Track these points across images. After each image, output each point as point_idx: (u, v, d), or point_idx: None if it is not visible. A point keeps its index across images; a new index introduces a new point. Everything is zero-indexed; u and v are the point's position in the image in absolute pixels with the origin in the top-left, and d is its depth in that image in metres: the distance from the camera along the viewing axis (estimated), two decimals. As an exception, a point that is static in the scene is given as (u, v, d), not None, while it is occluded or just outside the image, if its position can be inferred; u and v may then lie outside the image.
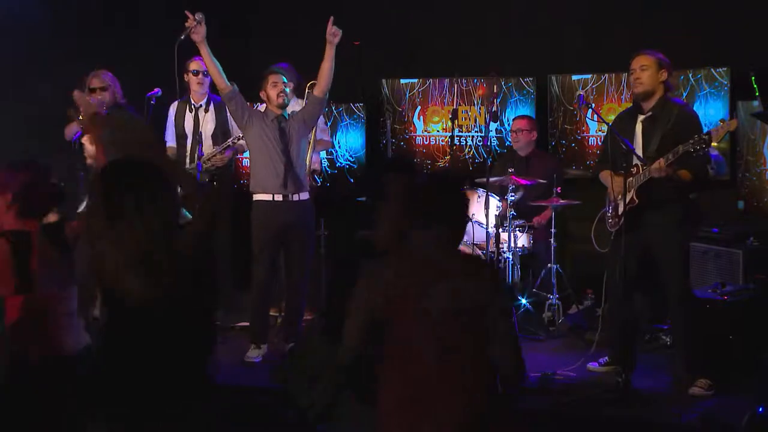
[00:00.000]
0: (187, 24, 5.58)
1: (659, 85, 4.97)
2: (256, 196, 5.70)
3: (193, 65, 6.38)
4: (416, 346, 2.89)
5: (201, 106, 6.48)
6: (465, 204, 3.15)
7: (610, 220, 5.15)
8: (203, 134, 6.38)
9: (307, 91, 6.39)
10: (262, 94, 5.76)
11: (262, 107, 6.09)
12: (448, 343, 2.88)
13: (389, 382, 2.93)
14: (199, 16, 5.58)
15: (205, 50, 5.62)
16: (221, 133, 6.44)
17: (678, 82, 6.31)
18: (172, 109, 6.52)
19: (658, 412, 4.64)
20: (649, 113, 4.98)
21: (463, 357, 2.88)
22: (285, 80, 5.75)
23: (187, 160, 6.38)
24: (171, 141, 6.48)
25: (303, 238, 5.71)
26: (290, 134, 5.66)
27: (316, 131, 6.44)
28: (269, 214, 5.63)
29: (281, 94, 5.68)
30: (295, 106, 6.24)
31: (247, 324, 5.96)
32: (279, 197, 5.62)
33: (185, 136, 6.46)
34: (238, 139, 6.26)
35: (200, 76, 6.38)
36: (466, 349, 2.89)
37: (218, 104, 6.45)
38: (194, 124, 6.44)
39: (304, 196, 5.71)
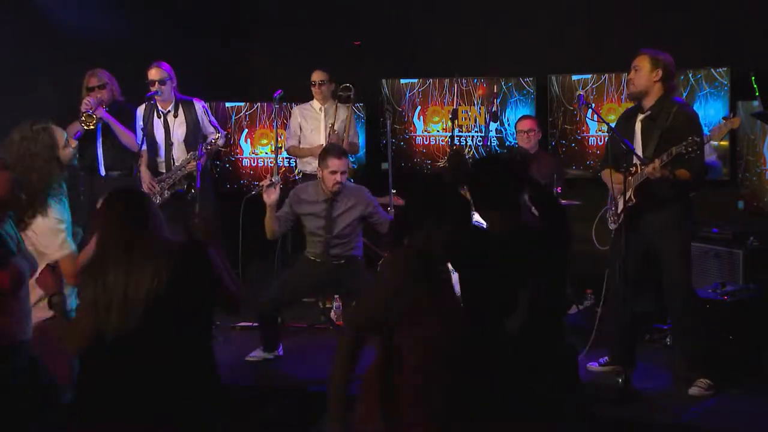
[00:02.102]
0: (261, 183, 5.55)
1: (654, 84, 4.93)
2: (306, 251, 5.69)
3: (150, 74, 6.26)
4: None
5: (169, 111, 6.33)
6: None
7: (610, 219, 5.16)
8: (175, 141, 6.31)
9: (338, 93, 6.66)
10: (319, 171, 5.58)
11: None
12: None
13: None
14: (275, 178, 5.56)
15: (270, 212, 5.49)
16: (193, 138, 6.29)
17: (678, 82, 6.27)
18: (140, 112, 6.36)
19: (658, 412, 4.64)
20: (648, 112, 4.98)
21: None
22: (346, 167, 5.55)
23: (163, 167, 6.32)
24: (144, 146, 6.27)
25: (348, 291, 5.77)
26: (336, 215, 5.56)
27: (348, 135, 6.63)
28: (311, 269, 5.63)
29: (337, 185, 5.47)
30: (331, 108, 6.65)
31: (247, 324, 5.97)
32: (321, 259, 5.62)
33: (156, 143, 6.33)
34: (211, 145, 6.21)
35: (156, 84, 6.23)
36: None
37: (187, 107, 6.35)
38: (165, 131, 6.33)
39: (351, 253, 5.65)
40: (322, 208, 5.54)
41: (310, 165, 6.56)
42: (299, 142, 6.78)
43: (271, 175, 5.70)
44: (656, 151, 4.82)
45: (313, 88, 6.75)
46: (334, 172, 5.45)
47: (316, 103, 6.80)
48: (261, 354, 5.55)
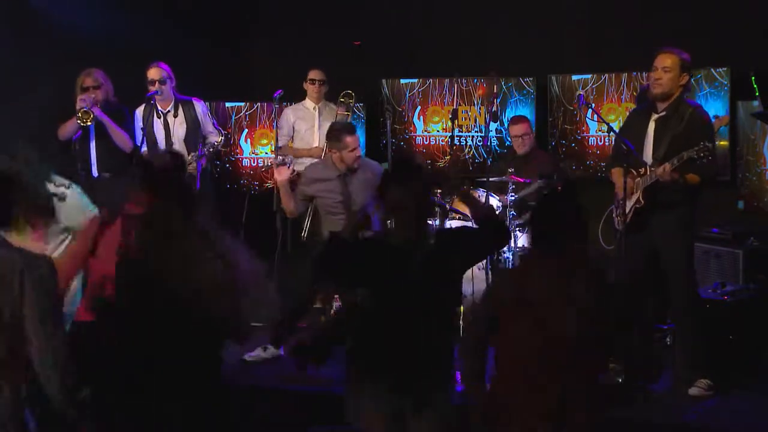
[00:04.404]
0: (271, 162, 5.60)
1: (678, 87, 4.88)
2: (325, 234, 5.58)
3: (149, 74, 6.26)
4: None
5: (169, 111, 6.33)
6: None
7: (616, 218, 5.13)
8: (176, 141, 6.30)
9: (339, 100, 6.69)
10: (334, 153, 5.56)
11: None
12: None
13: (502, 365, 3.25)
14: (289, 158, 5.61)
15: (283, 190, 5.51)
16: (193, 137, 6.30)
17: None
18: (139, 113, 6.36)
19: (658, 412, 4.64)
20: (663, 113, 4.91)
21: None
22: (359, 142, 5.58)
23: None
24: (144, 146, 6.25)
25: None
26: (353, 190, 5.50)
27: None
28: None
29: (357, 161, 5.52)
30: (325, 109, 6.68)
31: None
32: None
33: (157, 144, 6.31)
34: (213, 147, 6.23)
35: (156, 84, 6.24)
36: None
37: (187, 107, 6.34)
38: (165, 131, 6.32)
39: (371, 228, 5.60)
40: (336, 184, 5.52)
41: (305, 165, 6.57)
42: (292, 142, 6.76)
43: (285, 158, 5.69)
44: (667, 153, 4.77)
45: (310, 86, 6.74)
46: (354, 150, 5.49)
47: (309, 103, 6.79)
48: (260, 354, 5.55)
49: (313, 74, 6.75)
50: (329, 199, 5.54)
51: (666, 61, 4.87)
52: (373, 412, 3.46)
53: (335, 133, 5.59)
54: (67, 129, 6.09)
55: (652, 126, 4.96)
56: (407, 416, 3.42)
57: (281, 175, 5.44)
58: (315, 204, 5.66)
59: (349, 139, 5.52)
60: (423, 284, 3.41)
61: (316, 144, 6.64)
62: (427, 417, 3.42)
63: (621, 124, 5.76)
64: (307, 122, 6.75)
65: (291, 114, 6.81)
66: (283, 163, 5.49)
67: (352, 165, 5.52)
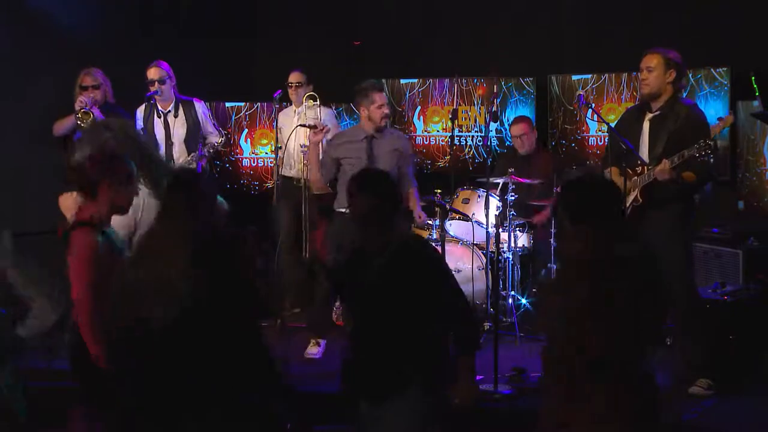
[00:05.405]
0: (310, 124, 5.72)
1: (667, 85, 4.87)
2: (337, 209, 5.58)
3: (149, 73, 6.24)
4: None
5: (170, 111, 6.31)
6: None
7: None
8: (175, 141, 6.28)
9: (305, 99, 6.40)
10: (362, 110, 5.57)
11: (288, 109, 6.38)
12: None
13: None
14: (325, 124, 5.67)
15: (313, 151, 5.64)
16: (193, 138, 6.29)
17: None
18: (139, 113, 6.35)
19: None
20: (657, 112, 4.92)
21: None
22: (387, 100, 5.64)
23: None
24: None
25: None
26: (377, 154, 5.46)
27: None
28: (345, 225, 5.50)
29: (385, 118, 5.51)
30: (302, 112, 6.38)
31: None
32: None
33: (156, 143, 6.26)
34: (213, 148, 6.23)
35: (156, 84, 6.22)
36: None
37: (187, 107, 6.33)
38: (165, 131, 6.30)
39: None
40: (362, 147, 5.49)
41: (290, 170, 6.53)
42: (283, 151, 6.53)
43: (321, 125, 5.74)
44: (664, 151, 4.78)
45: (288, 89, 6.56)
46: (381, 106, 5.49)
47: (293, 106, 6.65)
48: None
49: (290, 77, 6.57)
50: (352, 163, 5.43)
51: (650, 61, 4.89)
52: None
53: (363, 90, 5.54)
54: (64, 125, 6.08)
55: (646, 125, 4.97)
56: (373, 410, 3.46)
57: (315, 137, 5.53)
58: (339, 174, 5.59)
59: (376, 95, 5.50)
60: (381, 289, 3.42)
61: (293, 147, 6.43)
62: (394, 412, 3.42)
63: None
64: (287, 127, 6.46)
65: (280, 118, 6.61)
66: (316, 127, 5.57)
67: (380, 123, 5.49)
